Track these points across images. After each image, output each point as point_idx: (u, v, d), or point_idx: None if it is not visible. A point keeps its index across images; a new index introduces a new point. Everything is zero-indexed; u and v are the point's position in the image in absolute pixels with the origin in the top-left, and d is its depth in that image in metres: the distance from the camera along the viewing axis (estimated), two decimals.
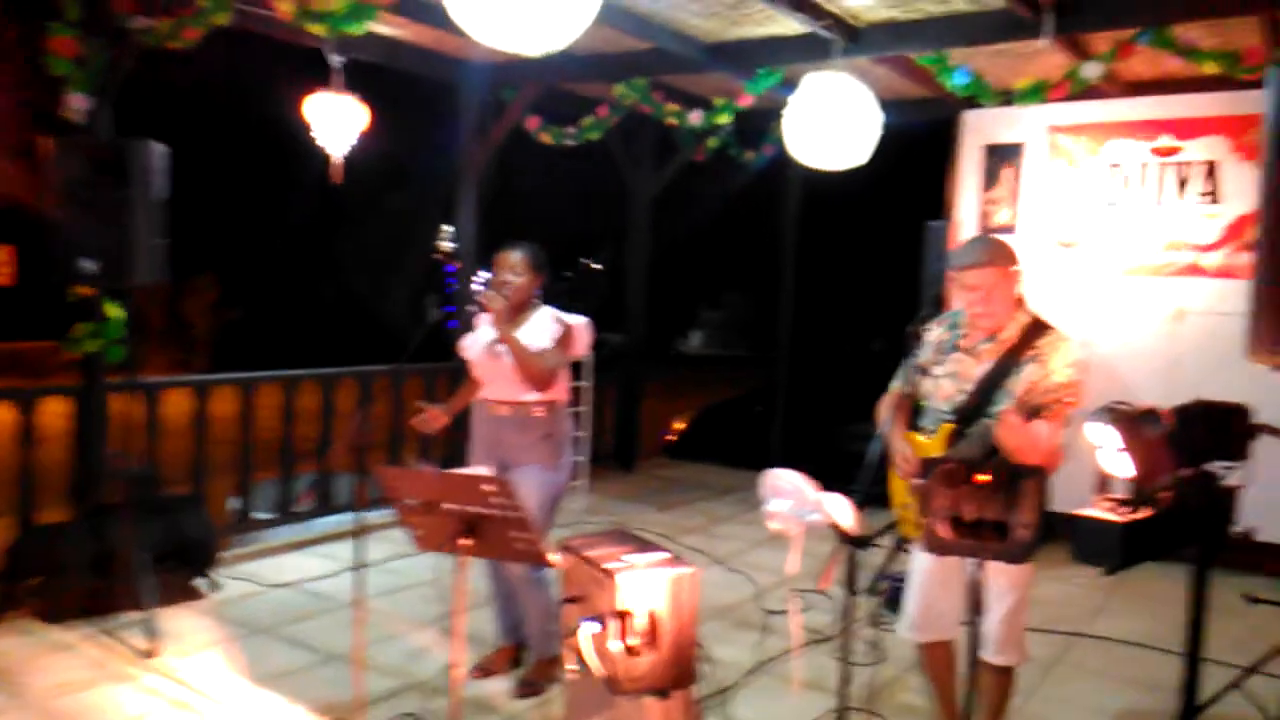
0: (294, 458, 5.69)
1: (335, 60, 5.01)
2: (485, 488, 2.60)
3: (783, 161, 7.11)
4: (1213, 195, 5.74)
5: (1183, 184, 5.84)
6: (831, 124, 4.79)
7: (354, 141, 5.16)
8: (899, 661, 3.94)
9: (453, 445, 6.35)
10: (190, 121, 15.78)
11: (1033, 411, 2.67)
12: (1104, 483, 1.78)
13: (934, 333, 3.08)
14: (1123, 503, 1.69)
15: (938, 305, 2.94)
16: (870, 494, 2.62)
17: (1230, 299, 5.63)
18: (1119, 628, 4.64)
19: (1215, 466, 1.77)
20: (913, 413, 3.11)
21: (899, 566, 4.15)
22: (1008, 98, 5.66)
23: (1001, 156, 6.41)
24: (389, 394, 6.16)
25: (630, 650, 2.60)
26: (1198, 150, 5.78)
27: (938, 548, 2.29)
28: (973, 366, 2.94)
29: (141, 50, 4.58)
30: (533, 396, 3.64)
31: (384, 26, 5.54)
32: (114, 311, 4.55)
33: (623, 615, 2.60)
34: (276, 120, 9.12)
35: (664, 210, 8.33)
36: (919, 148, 7.38)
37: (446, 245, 6.71)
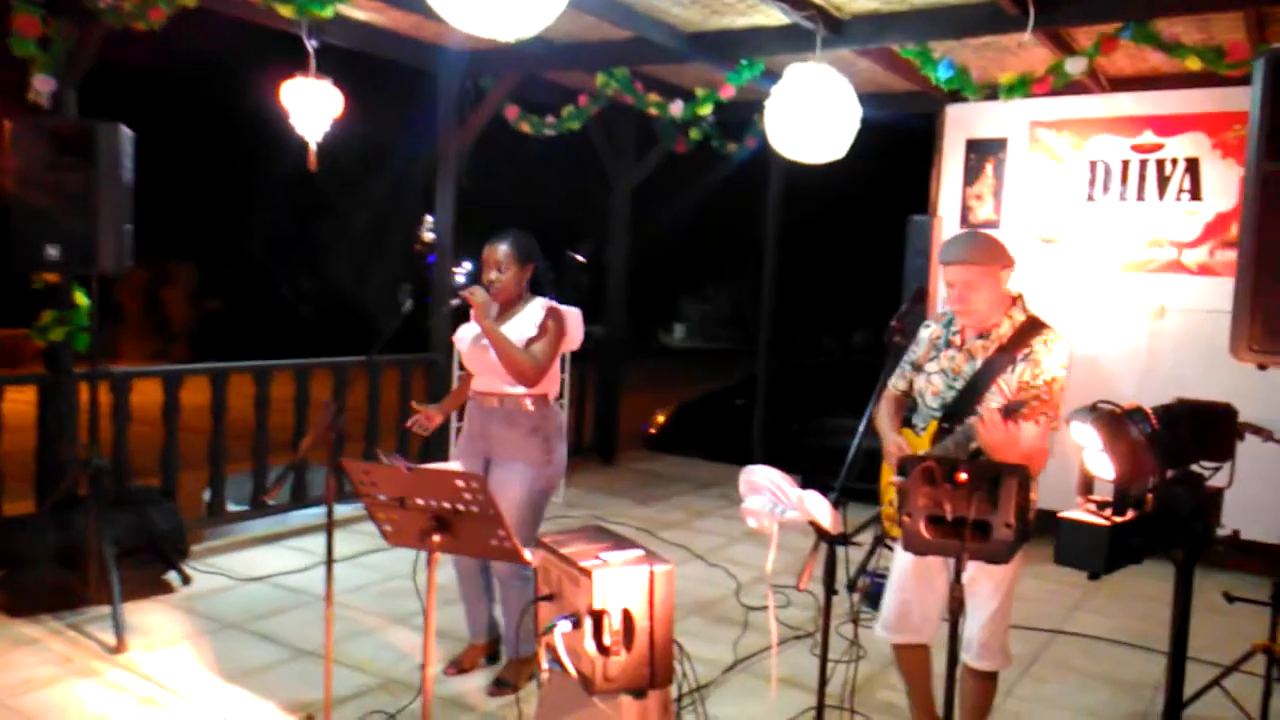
0: (267, 450, 5.61)
1: (311, 44, 4.92)
2: (458, 483, 2.54)
3: (765, 154, 7.06)
4: (1193, 192, 5.74)
5: (1164, 181, 5.83)
6: (812, 116, 4.74)
7: (328, 127, 5.07)
8: (879, 658, 3.91)
9: (429, 438, 6.28)
10: (165, 106, 15.60)
11: (1011, 409, 2.64)
12: (1088, 484, 1.74)
13: (930, 329, 3.06)
14: (1106, 505, 1.65)
15: (921, 299, 2.90)
16: (854, 490, 2.59)
17: (1211, 296, 5.64)
18: (1098, 625, 4.63)
19: (1200, 467, 1.74)
20: (909, 410, 3.08)
21: (883, 564, 4.13)
22: (991, 92, 5.63)
23: (984, 151, 6.39)
24: (364, 384, 6.08)
25: (605, 649, 2.55)
26: (1179, 147, 5.78)
27: (918, 547, 2.25)
28: (964, 363, 2.91)
29: (108, 31, 4.47)
30: (521, 389, 3.58)
31: (360, 11, 5.45)
32: (81, 299, 4.45)
33: (598, 614, 2.55)
34: (254, 106, 8.99)
35: (646, 202, 8.27)
36: (903, 141, 7.35)
37: (427, 235, 6.63)
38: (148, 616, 4.26)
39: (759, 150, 7.31)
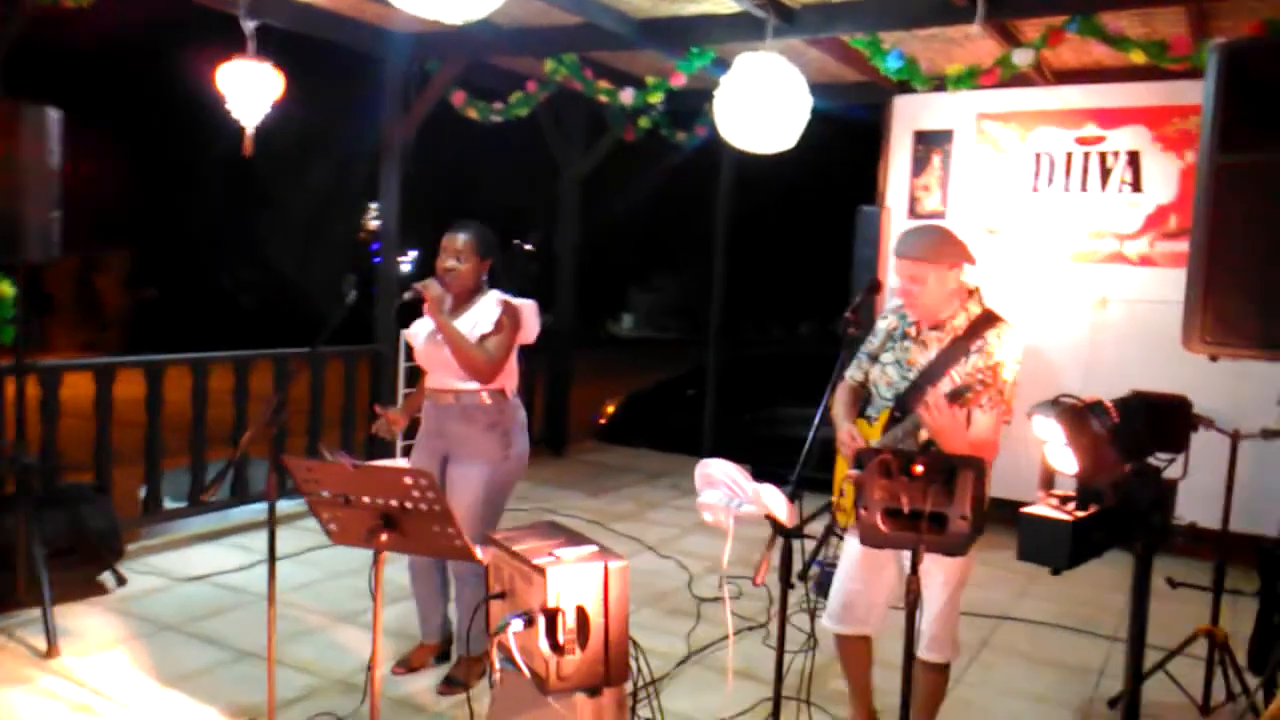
0: (206, 444, 5.44)
1: (249, 25, 4.76)
2: (407, 480, 2.47)
3: (715, 143, 7.03)
4: (1134, 184, 5.83)
5: (1106, 173, 5.92)
6: (762, 106, 4.72)
7: (267, 111, 4.91)
8: (832, 649, 3.91)
9: (374, 436, 6.16)
10: (96, 88, 15.09)
11: (956, 393, 2.65)
12: (1049, 478, 1.74)
13: (887, 320, 3.07)
14: (1068, 499, 1.64)
15: (875, 291, 2.89)
16: (811, 479, 2.57)
17: (1152, 287, 5.75)
18: (1043, 610, 4.70)
19: (1155, 459, 1.74)
20: (865, 401, 3.08)
21: (834, 552, 4.14)
22: (939, 83, 5.67)
23: (931, 142, 6.43)
24: (307, 377, 5.94)
25: (560, 648, 2.50)
26: (1120, 139, 5.86)
27: (875, 540, 2.23)
28: (918, 354, 2.92)
29: (35, 9, 4.28)
30: (477, 385, 3.49)
31: None
32: (5, 289, 4.26)
33: (552, 612, 2.50)
34: (190, 88, 8.73)
35: (595, 191, 8.20)
36: (852, 132, 7.38)
37: (371, 224, 6.50)
38: (81, 619, 4.11)
39: (709, 140, 7.28)
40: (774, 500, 2.46)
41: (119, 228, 19.39)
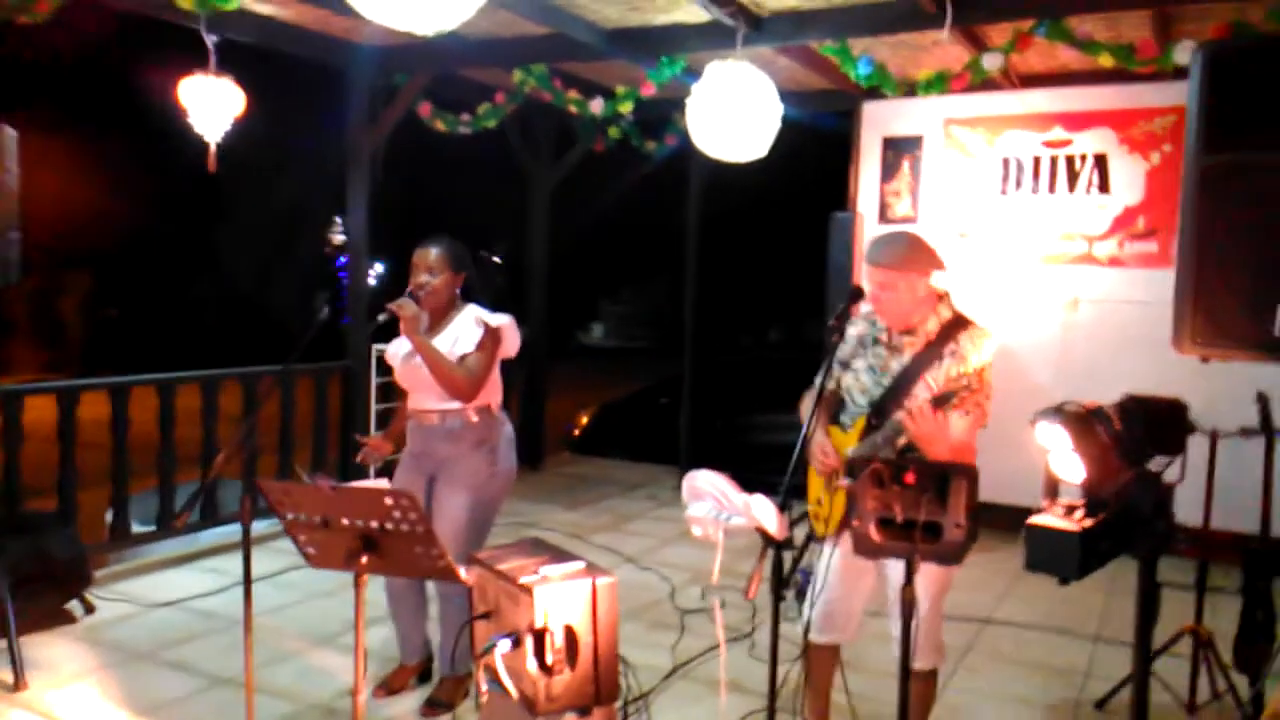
0: (174, 466, 5.32)
1: (210, 40, 4.67)
2: (388, 501, 2.41)
3: (685, 152, 7.02)
4: (1102, 186, 5.89)
5: (1073, 175, 5.97)
6: (734, 114, 4.71)
7: (229, 127, 4.82)
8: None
9: (347, 455, 6.06)
10: (54, 105, 14.82)
11: (941, 400, 2.64)
12: (1053, 487, 1.72)
13: (858, 327, 3.04)
14: (1075, 507, 1.62)
15: (858, 298, 2.87)
16: (796, 487, 2.54)
17: (1121, 287, 5.81)
18: (1026, 612, 4.71)
19: (1154, 463, 1.73)
20: (836, 407, 3.05)
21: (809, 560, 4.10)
22: (910, 88, 5.69)
23: (900, 148, 6.46)
24: (278, 396, 5.83)
25: (548, 668, 2.45)
26: (1087, 142, 5.92)
27: (869, 550, 2.20)
28: (891, 360, 2.90)
29: None
30: (460, 403, 3.43)
31: (264, 5, 5.20)
32: None
33: (540, 632, 2.44)
34: (153, 104, 8.58)
35: (565, 201, 8.16)
36: (822, 140, 7.39)
37: (336, 238, 6.41)
38: (49, 650, 3.98)
39: (679, 149, 7.27)
40: (764, 512, 2.42)
41: (79, 247, 19.04)
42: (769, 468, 3.15)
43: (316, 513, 2.54)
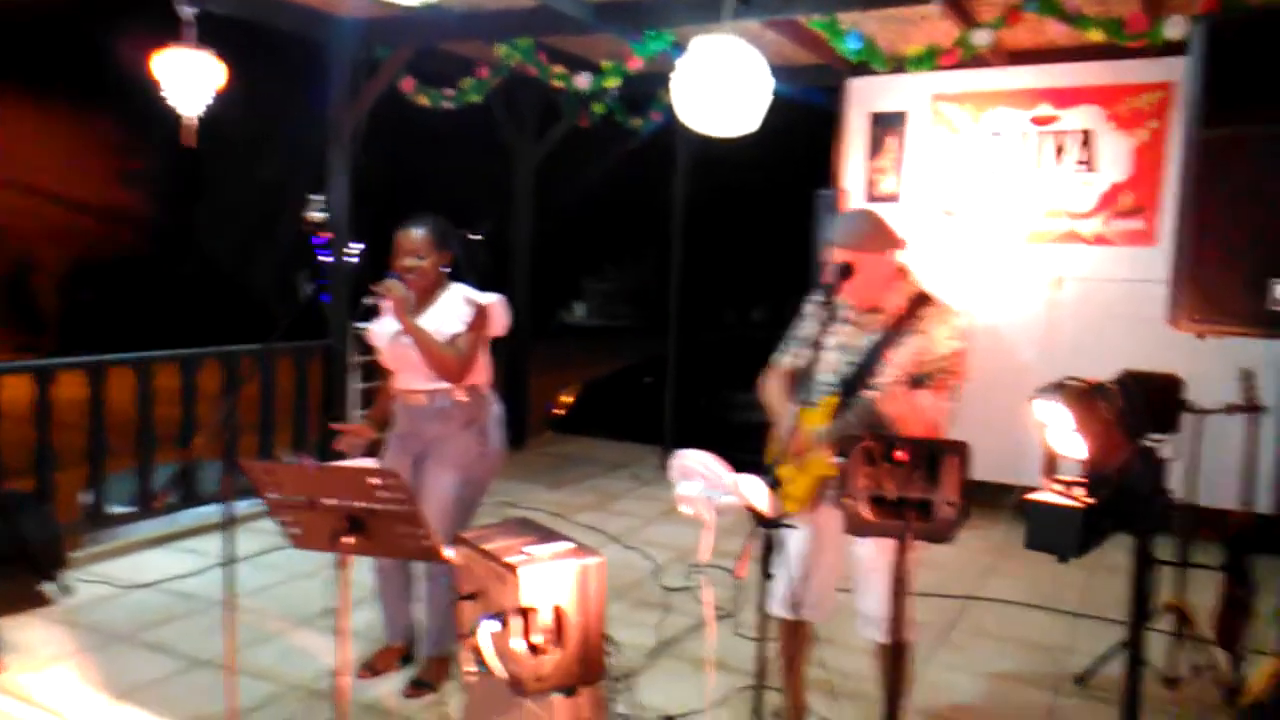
0: (153, 446, 5.25)
1: (187, 12, 4.57)
2: (373, 481, 2.37)
3: (671, 129, 6.95)
4: (1088, 164, 5.87)
5: (1060, 152, 5.95)
6: (722, 89, 4.64)
7: (209, 102, 4.73)
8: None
9: (328, 435, 6.00)
10: (25, 78, 14.53)
11: (916, 381, 2.63)
12: (1052, 464, 1.69)
13: (820, 304, 3.02)
14: (1075, 484, 1.60)
15: (848, 276, 2.84)
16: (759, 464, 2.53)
17: (1106, 265, 5.80)
18: (1009, 589, 4.73)
19: (1151, 440, 1.71)
20: (798, 385, 3.04)
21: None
22: (899, 64, 5.64)
23: (886, 124, 6.42)
24: (258, 375, 5.76)
25: (535, 649, 2.42)
26: (1074, 119, 5.90)
27: (860, 529, 2.19)
28: (859, 338, 2.90)
29: None
30: (449, 383, 3.38)
31: None
32: None
33: (526, 612, 2.41)
34: (128, 78, 8.41)
35: (549, 178, 8.08)
36: (812, 115, 7.34)
37: (316, 215, 6.32)
38: (26, 633, 3.93)
39: (664, 125, 7.20)
40: (754, 491, 2.40)
41: (55, 226, 18.77)
42: (753, 446, 3.13)
43: (300, 493, 2.50)
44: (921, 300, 2.87)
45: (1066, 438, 1.62)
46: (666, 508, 5.91)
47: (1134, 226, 5.76)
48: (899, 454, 2.17)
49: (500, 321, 3.45)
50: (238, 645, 3.58)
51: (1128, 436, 1.62)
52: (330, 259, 6.36)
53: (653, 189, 9.89)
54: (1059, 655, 4.01)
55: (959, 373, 2.66)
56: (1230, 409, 3.30)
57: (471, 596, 2.65)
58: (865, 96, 6.44)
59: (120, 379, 5.12)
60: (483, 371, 3.49)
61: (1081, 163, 5.88)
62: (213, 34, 4.75)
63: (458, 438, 3.42)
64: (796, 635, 3.10)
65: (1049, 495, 1.59)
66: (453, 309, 3.38)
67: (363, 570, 3.71)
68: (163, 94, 4.73)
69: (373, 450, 3.61)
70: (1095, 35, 4.63)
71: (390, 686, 3.55)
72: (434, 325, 3.33)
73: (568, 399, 9.57)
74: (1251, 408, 3.29)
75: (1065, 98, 5.89)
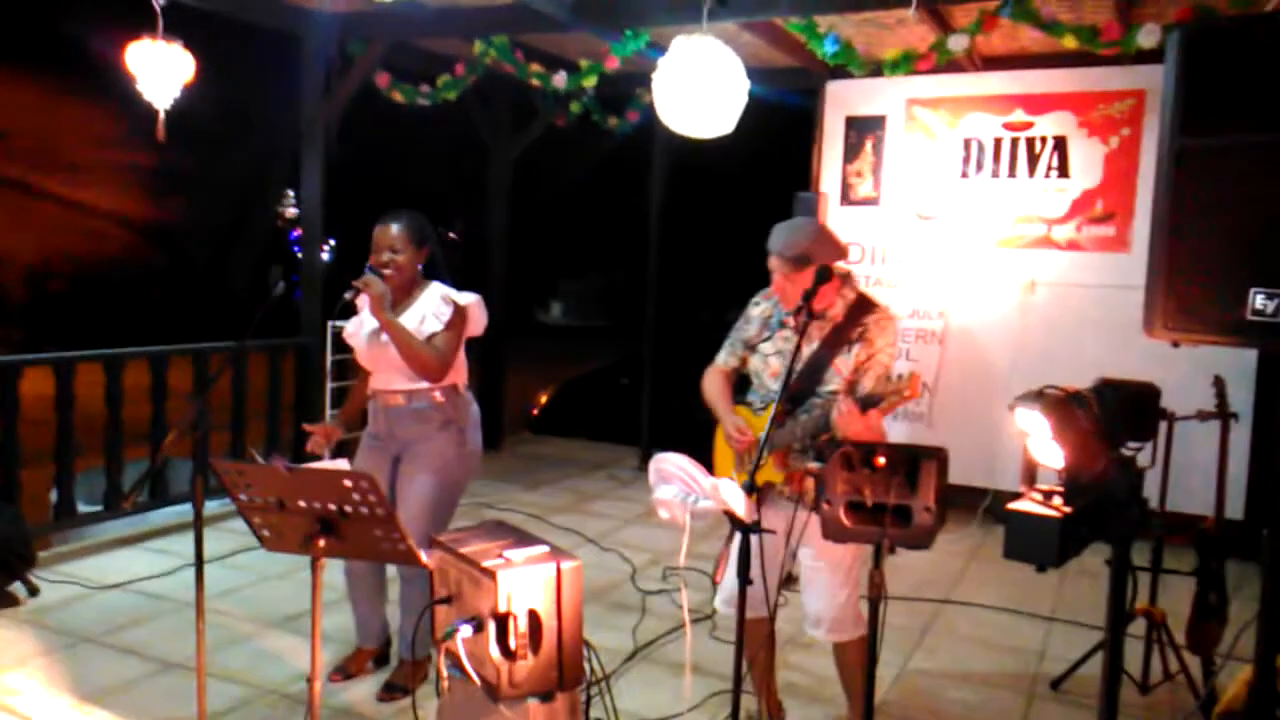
0: (121, 444, 5.17)
1: (158, 3, 4.50)
2: (346, 483, 2.34)
3: (648, 129, 6.94)
4: (1061, 170, 5.92)
5: (1033, 158, 6.00)
6: (699, 90, 4.64)
7: (177, 94, 4.66)
8: (785, 639, 3.88)
9: (301, 434, 5.94)
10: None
11: (870, 402, 2.64)
12: (1031, 472, 1.70)
13: (760, 307, 3.06)
14: (1052, 494, 1.61)
15: (827, 279, 2.85)
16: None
17: (1078, 271, 5.86)
18: (981, 593, 4.76)
19: (1128, 448, 1.72)
20: (738, 386, 3.08)
21: None
22: (875, 68, 5.66)
23: (863, 129, 6.45)
24: (231, 372, 5.69)
25: (511, 653, 2.40)
26: (1047, 125, 5.95)
27: (838, 535, 2.18)
28: (801, 345, 2.89)
29: None
30: (426, 383, 3.35)
31: None
32: None
33: (503, 616, 2.39)
34: (99, 69, 8.29)
35: (524, 177, 8.04)
36: (790, 117, 7.35)
37: (289, 211, 6.24)
38: None
39: (642, 125, 7.19)
40: (732, 495, 2.39)
41: (20, 220, 18.47)
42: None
43: (272, 494, 2.47)
44: (861, 306, 2.90)
45: (1044, 446, 1.62)
46: (644, 509, 5.90)
47: (1106, 233, 5.82)
48: (878, 460, 2.17)
49: (479, 321, 3.43)
50: (208, 648, 3.53)
51: (1105, 445, 1.63)
52: (302, 254, 6.30)
53: (629, 189, 9.88)
54: (1033, 659, 4.04)
55: (910, 395, 2.65)
56: (1202, 415, 3.33)
57: (447, 600, 2.63)
58: (842, 100, 6.46)
59: (89, 376, 5.04)
60: (460, 372, 3.46)
61: (1054, 169, 5.93)
62: (182, 25, 4.68)
63: (435, 439, 3.39)
64: (755, 630, 3.10)
65: (1028, 505, 1.59)
66: (431, 308, 3.34)
67: (335, 572, 3.67)
68: (137, 86, 4.66)
69: (344, 451, 3.57)
70: (1069, 42, 4.66)
71: (364, 690, 3.52)
72: (412, 324, 3.30)
73: (544, 399, 9.54)
74: (1223, 415, 3.33)
75: (1039, 104, 5.94)
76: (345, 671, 3.58)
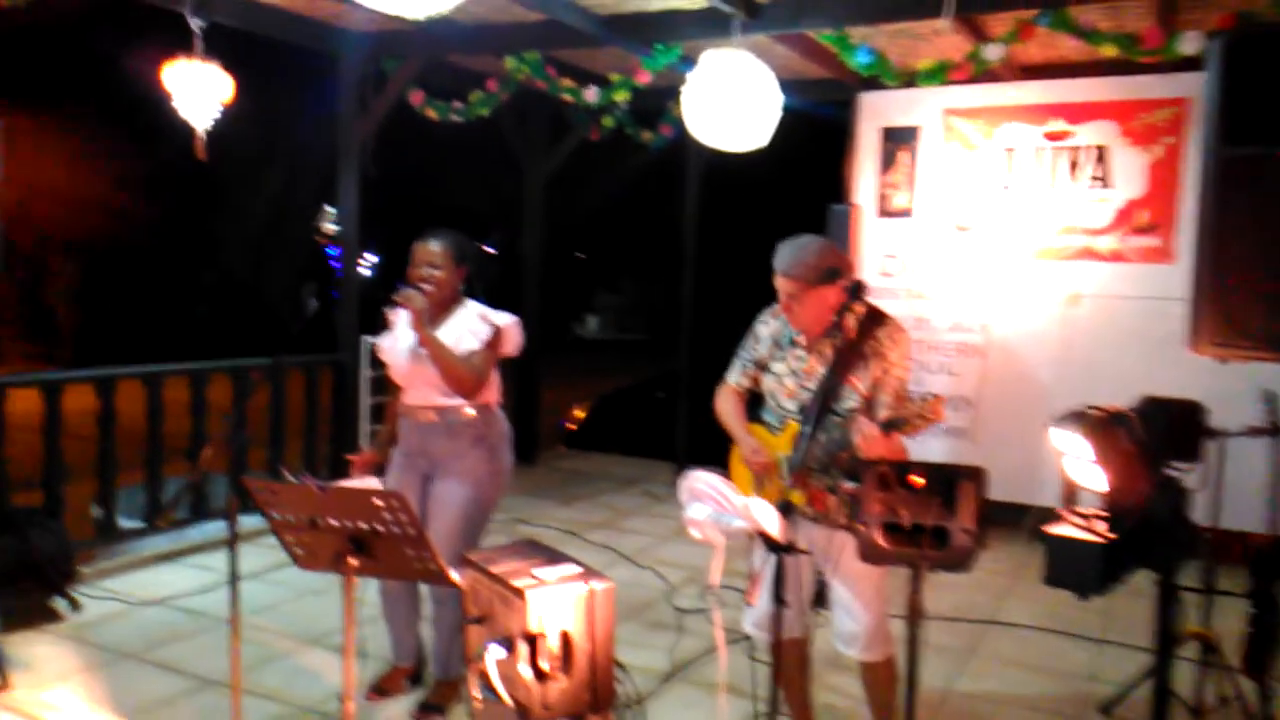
0: (162, 460, 5.23)
1: (196, 24, 4.57)
2: (377, 502, 2.33)
3: (682, 142, 6.93)
4: (1103, 180, 5.81)
5: (1074, 168, 5.89)
6: (732, 103, 4.62)
7: (217, 114, 4.73)
8: (814, 660, 3.82)
9: (338, 450, 5.98)
10: (37, 92, 14.61)
11: (893, 424, 2.58)
12: (1071, 494, 1.64)
13: (769, 326, 3.01)
14: (1096, 517, 1.55)
15: (859, 294, 2.80)
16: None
17: (1122, 282, 5.73)
18: (1028, 613, 4.65)
19: (1174, 469, 1.66)
20: (750, 405, 3.05)
21: None
22: (909, 79, 5.60)
23: (898, 139, 6.37)
24: (267, 388, 5.75)
25: (543, 675, 2.38)
26: (1088, 135, 5.83)
27: (875, 557, 2.13)
28: (815, 363, 2.87)
29: None
30: (460, 400, 3.36)
31: None
32: None
33: (534, 637, 2.37)
34: (138, 90, 8.44)
35: (559, 191, 8.06)
36: (824, 129, 7.30)
37: (328, 227, 6.32)
38: (34, 649, 3.90)
39: (675, 139, 7.18)
40: (764, 514, 2.36)
41: (69, 237, 18.87)
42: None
43: (303, 513, 2.47)
44: (872, 319, 2.84)
45: (1085, 469, 1.56)
46: (679, 526, 5.83)
47: (1150, 243, 5.69)
48: (914, 480, 2.12)
49: (514, 342, 3.43)
50: (246, 665, 3.56)
51: (1149, 467, 1.57)
52: (341, 271, 6.36)
53: (664, 203, 9.87)
54: (1082, 683, 3.93)
55: (934, 418, 2.59)
56: (1252, 431, 3.22)
57: (479, 620, 2.61)
58: (877, 111, 6.39)
59: (131, 391, 5.11)
60: (494, 390, 3.46)
61: (1096, 179, 5.81)
62: (217, 46, 4.76)
63: (467, 456, 3.38)
64: (787, 656, 3.04)
65: (1068, 529, 1.53)
66: (468, 325, 3.35)
67: (372, 589, 3.67)
68: (174, 106, 4.73)
69: (378, 469, 3.58)
70: (1109, 50, 4.58)
71: (399, 710, 3.51)
72: (449, 341, 3.31)
73: (580, 414, 9.53)
74: (1274, 430, 3.22)
75: (1079, 113, 5.83)
76: (381, 690, 3.58)
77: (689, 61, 4.94)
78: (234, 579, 2.86)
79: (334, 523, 2.45)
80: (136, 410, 5.16)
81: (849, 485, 2.15)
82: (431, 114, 6.55)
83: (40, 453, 4.73)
